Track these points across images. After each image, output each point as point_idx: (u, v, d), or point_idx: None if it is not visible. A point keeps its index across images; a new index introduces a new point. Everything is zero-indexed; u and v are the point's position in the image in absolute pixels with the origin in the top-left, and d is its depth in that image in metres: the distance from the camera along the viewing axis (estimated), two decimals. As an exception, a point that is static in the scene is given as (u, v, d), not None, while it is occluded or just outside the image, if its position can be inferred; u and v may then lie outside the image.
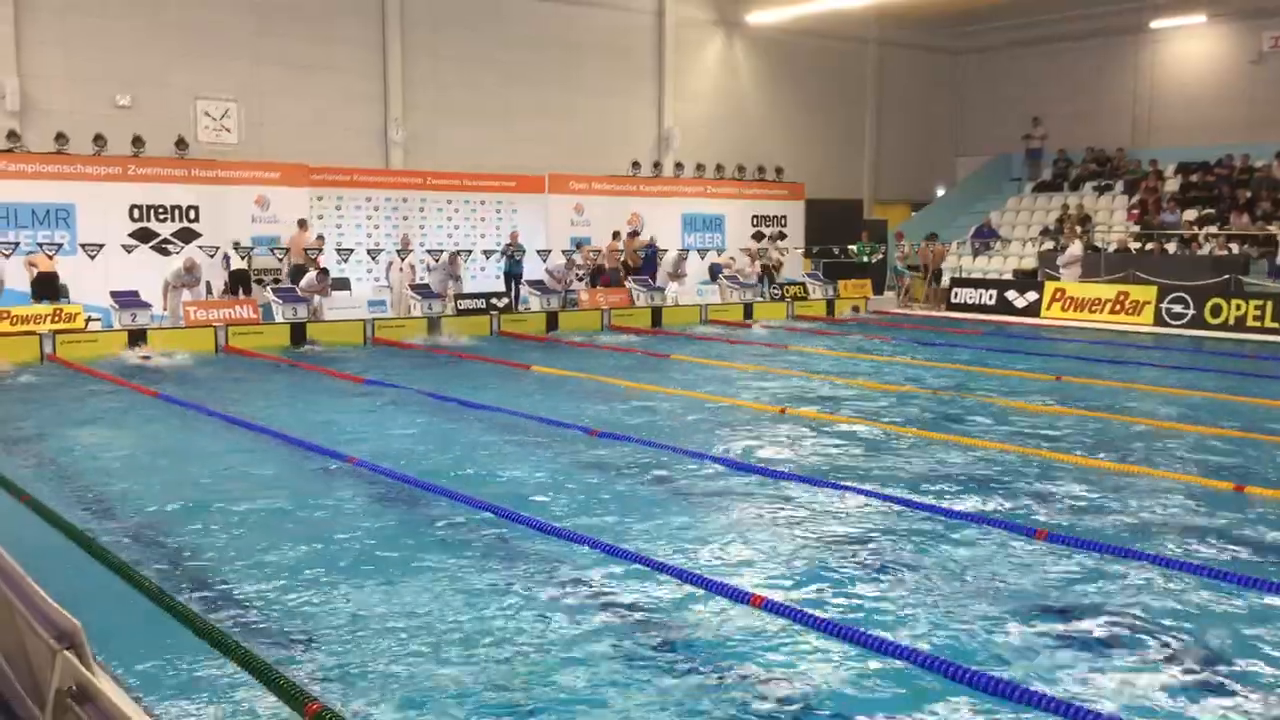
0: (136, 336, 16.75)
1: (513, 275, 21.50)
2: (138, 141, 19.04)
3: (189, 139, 20.09)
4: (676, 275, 23.13)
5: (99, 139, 18.66)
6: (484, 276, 22.29)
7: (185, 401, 12.08)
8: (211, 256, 18.97)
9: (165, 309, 17.65)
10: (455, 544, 6.94)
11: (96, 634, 4.32)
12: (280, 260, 19.71)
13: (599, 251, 22.98)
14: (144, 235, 18.76)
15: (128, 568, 6.14)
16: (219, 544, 6.92)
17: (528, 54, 25.07)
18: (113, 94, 20.38)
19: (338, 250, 20.44)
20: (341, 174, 21.36)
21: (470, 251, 21.83)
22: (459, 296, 20.26)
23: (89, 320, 16.89)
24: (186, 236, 19.13)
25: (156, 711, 4.49)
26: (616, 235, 23.71)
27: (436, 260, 20.66)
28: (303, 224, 20.35)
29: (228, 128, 21.60)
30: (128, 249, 18.42)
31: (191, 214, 19.29)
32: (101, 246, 18.08)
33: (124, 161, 18.83)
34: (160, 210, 19.05)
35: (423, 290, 19.95)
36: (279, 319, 18.23)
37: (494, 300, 20.50)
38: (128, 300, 17.24)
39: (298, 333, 17.98)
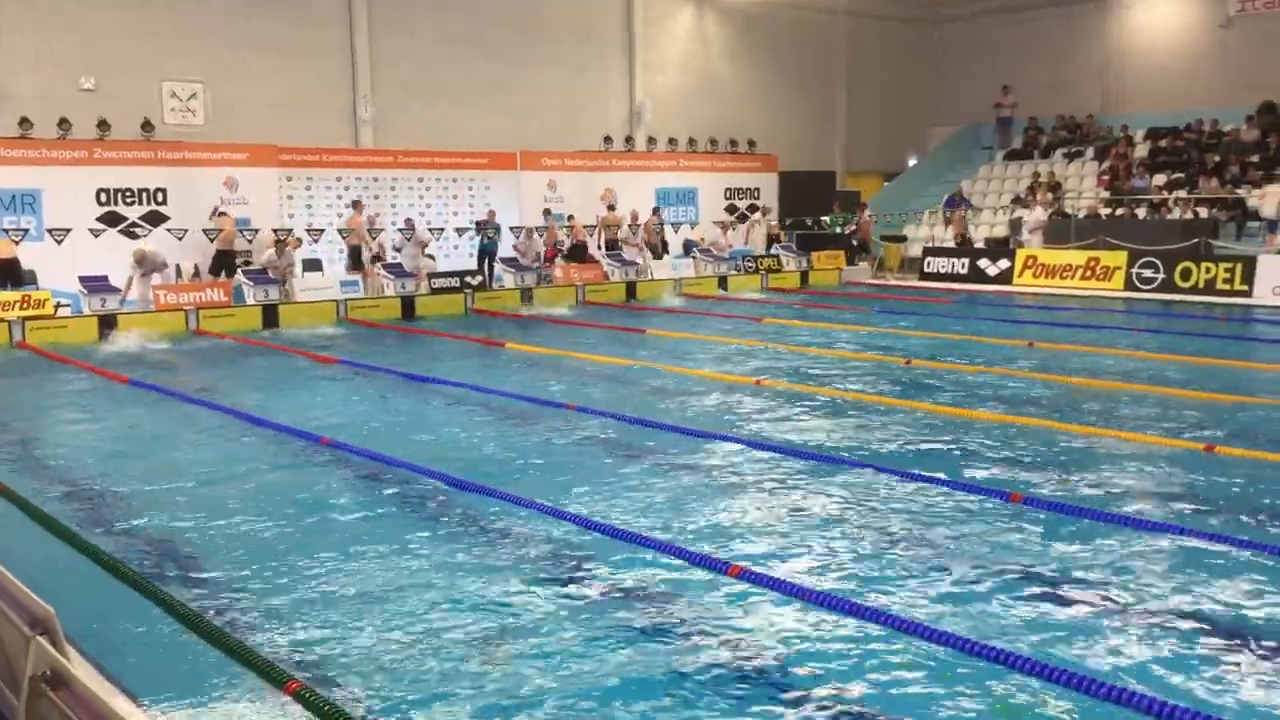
0: (107, 322, 16.61)
1: (486, 253, 21.43)
2: (103, 125, 18.80)
3: (155, 121, 19.86)
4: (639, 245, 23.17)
5: (64, 123, 18.40)
6: (458, 255, 22.21)
7: (157, 386, 11.99)
8: (180, 240, 18.82)
9: (125, 298, 17.42)
10: (433, 522, 6.94)
11: (71, 619, 4.30)
12: (250, 242, 19.59)
13: (571, 227, 22.94)
14: (112, 219, 18.57)
15: (101, 552, 6.11)
16: (193, 527, 6.89)
17: (497, 29, 24.88)
18: (76, 77, 20.10)
19: (308, 231, 20.33)
20: (310, 154, 21.17)
21: (443, 229, 21.76)
22: (432, 275, 20.16)
23: (58, 306, 16.73)
24: (155, 219, 18.95)
25: (134, 695, 4.48)
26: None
27: (408, 239, 20.56)
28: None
29: (194, 110, 21.36)
30: (95, 233, 18.26)
31: (159, 196, 19.09)
32: (69, 231, 17.90)
33: (89, 145, 18.60)
34: (128, 194, 18.84)
35: (395, 269, 19.85)
36: (250, 301, 18.12)
37: (468, 278, 20.43)
38: (96, 285, 17.09)
39: (269, 315, 17.88)
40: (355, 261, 20.34)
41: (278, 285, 18.43)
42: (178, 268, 18.87)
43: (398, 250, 20.59)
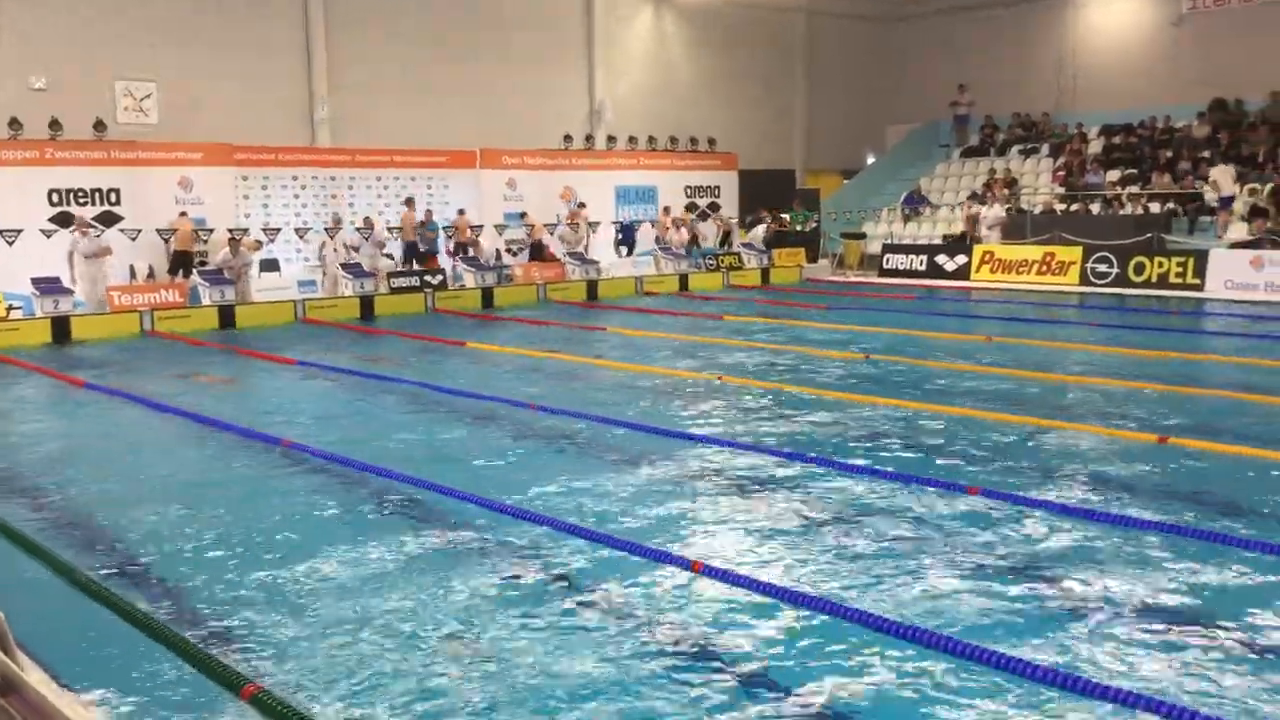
0: (60, 324, 16.39)
1: (429, 253, 21.33)
2: (55, 125, 18.51)
3: (108, 121, 19.58)
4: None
5: (14, 123, 18.09)
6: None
7: (112, 389, 11.85)
8: (133, 240, 18.61)
9: (73, 281, 17.25)
10: (394, 524, 6.89)
11: (22, 624, 4.26)
12: (205, 242, 19.40)
13: (532, 225, 22.95)
14: (64, 219, 18.28)
15: (53, 556, 6.03)
16: (148, 530, 6.81)
17: (456, 27, 24.76)
18: (27, 76, 19.78)
19: (264, 230, 20.18)
20: (266, 153, 20.95)
21: (401, 228, 21.66)
22: (392, 275, 20.05)
23: (10, 309, 16.49)
24: (108, 220, 18.70)
25: (88, 700, 4.42)
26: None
27: (366, 238, 20.45)
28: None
29: (147, 109, 21.09)
30: (47, 234, 18.00)
31: (113, 196, 18.84)
32: (19, 232, 17.64)
33: (41, 145, 18.29)
34: (80, 194, 18.57)
35: (354, 269, 19.71)
36: (206, 301, 17.93)
37: (428, 277, 20.32)
38: (49, 287, 16.86)
39: (226, 315, 17.70)
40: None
41: (233, 286, 18.25)
42: (131, 268, 18.65)
43: (355, 249, 20.43)
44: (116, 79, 20.75)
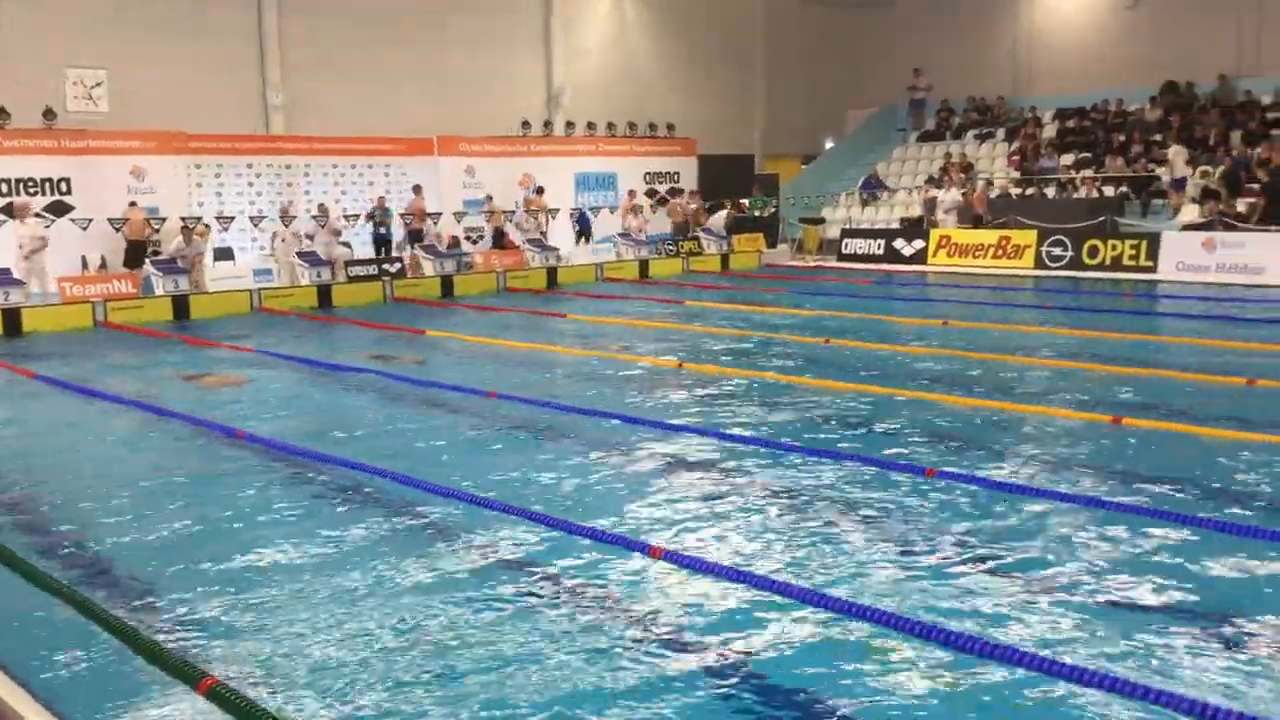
0: (10, 315, 16.11)
1: (383, 240, 21.16)
2: (2, 113, 18.19)
3: (58, 110, 19.25)
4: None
5: (-40, 113, 17.81)
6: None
7: (64, 381, 11.67)
8: (84, 230, 18.31)
9: (21, 273, 17.00)
10: (353, 515, 6.85)
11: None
12: (157, 231, 19.15)
13: (493, 212, 22.86)
14: (13, 210, 17.97)
15: (7, 552, 5.93)
16: (104, 524, 6.72)
17: (411, 12, 24.56)
18: (-25, 65, 19.45)
19: (218, 219, 19.95)
20: (221, 140, 20.70)
21: (358, 216, 21.50)
22: (349, 263, 19.87)
23: (-42, 301, 16.20)
24: (59, 210, 18.41)
25: (44, 699, 4.36)
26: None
27: (321, 225, 20.27)
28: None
29: (97, 98, 20.74)
30: (-6, 225, 17.72)
31: (63, 186, 18.55)
32: (-33, 224, 17.35)
33: (-13, 135, 18.02)
34: (30, 184, 18.27)
35: (310, 257, 19.51)
36: (159, 292, 17.68)
37: (386, 266, 20.17)
38: (-1, 279, 16.60)
39: (179, 306, 17.47)
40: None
41: (187, 275, 18.01)
42: (83, 259, 18.37)
43: (310, 238, 20.22)
44: (67, 66, 20.40)
